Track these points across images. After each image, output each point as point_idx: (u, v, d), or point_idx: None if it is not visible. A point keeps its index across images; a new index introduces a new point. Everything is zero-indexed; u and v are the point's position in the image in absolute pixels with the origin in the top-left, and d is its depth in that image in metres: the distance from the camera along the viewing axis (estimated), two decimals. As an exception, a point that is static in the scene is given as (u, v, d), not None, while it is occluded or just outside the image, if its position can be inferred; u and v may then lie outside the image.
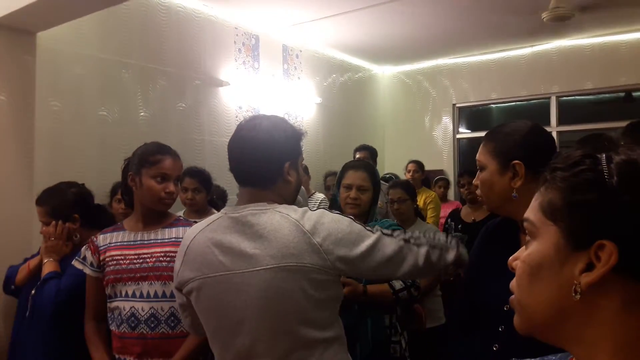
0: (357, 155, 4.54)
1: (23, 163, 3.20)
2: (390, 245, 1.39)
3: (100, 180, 3.54)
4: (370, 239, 1.38)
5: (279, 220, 1.36)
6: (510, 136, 1.45)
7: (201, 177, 3.34)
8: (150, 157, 1.94)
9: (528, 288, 0.63)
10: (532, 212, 0.65)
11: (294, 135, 1.51)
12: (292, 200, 1.51)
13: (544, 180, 0.65)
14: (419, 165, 5.19)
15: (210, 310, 1.44)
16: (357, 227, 1.40)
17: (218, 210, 3.38)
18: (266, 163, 1.44)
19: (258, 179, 1.46)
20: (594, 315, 0.58)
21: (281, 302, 1.33)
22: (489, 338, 1.41)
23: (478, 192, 1.50)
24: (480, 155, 1.48)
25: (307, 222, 1.35)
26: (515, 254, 0.68)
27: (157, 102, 4.26)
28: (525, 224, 0.67)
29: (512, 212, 1.44)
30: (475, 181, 1.52)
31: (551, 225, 0.61)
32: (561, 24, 4.67)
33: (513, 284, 0.67)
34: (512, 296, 0.67)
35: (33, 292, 2.14)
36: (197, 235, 1.48)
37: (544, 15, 4.35)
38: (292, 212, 1.39)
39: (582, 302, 0.58)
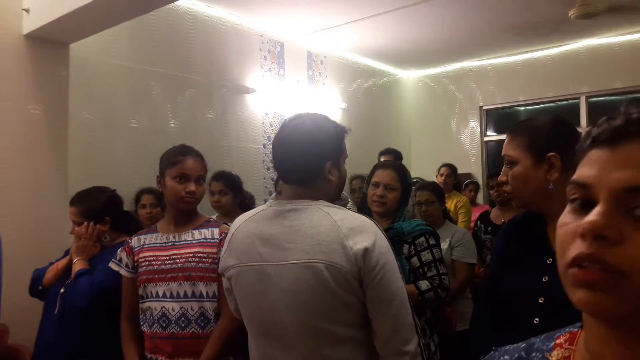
0: (382, 159, 4.53)
1: (58, 172, 3.30)
2: (406, 313, 1.37)
3: (132, 188, 3.62)
4: (398, 281, 1.37)
5: (319, 217, 1.38)
6: (542, 129, 1.44)
7: (226, 180, 3.38)
8: (172, 158, 2.00)
9: None
10: None
11: (336, 135, 1.53)
12: (334, 198, 1.52)
13: None
14: (451, 169, 5.12)
15: (246, 297, 1.48)
16: (393, 259, 1.39)
17: None
18: (307, 163, 1.46)
19: (300, 178, 1.49)
20: None
21: (309, 297, 1.34)
22: (522, 332, 1.38)
23: (507, 188, 1.47)
24: (510, 150, 1.46)
25: (346, 224, 1.35)
26: (603, 220, 0.56)
27: (185, 111, 4.34)
28: None
29: (545, 206, 1.43)
30: (502, 177, 1.48)
31: None
32: (589, 21, 4.59)
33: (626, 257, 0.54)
34: (615, 278, 0.55)
35: (62, 290, 2.20)
36: (241, 225, 1.52)
37: (571, 13, 4.30)
38: (334, 211, 1.40)
39: None
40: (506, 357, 0.72)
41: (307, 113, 1.57)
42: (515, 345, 0.73)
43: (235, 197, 3.39)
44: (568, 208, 0.60)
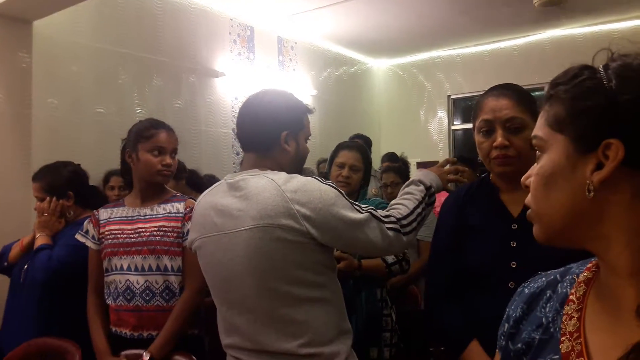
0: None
1: (21, 154, 3.24)
2: (375, 230, 1.42)
3: (98, 171, 3.56)
4: (357, 215, 1.41)
5: (264, 184, 1.41)
6: (530, 95, 1.48)
7: None
8: (145, 132, 1.99)
9: (544, 197, 0.67)
10: (539, 129, 0.69)
11: (297, 108, 1.57)
12: (291, 171, 1.52)
13: (547, 97, 0.69)
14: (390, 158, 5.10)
15: (207, 267, 1.53)
16: (343, 201, 1.42)
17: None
18: (263, 129, 1.50)
19: (256, 145, 1.53)
20: (606, 210, 0.62)
21: (261, 260, 1.38)
22: (499, 297, 1.41)
23: (511, 152, 1.42)
24: (520, 113, 1.41)
25: (289, 187, 1.39)
26: (527, 173, 0.72)
27: (153, 95, 4.29)
28: (534, 141, 0.70)
29: (524, 172, 1.49)
30: (504, 141, 1.41)
31: (559, 135, 0.65)
32: (552, 11, 4.70)
33: (529, 199, 0.70)
34: (529, 210, 0.71)
35: (26, 266, 2.17)
36: (201, 200, 1.58)
37: (535, 1, 4.40)
38: (277, 177, 1.43)
39: (594, 201, 0.62)
40: (543, 278, 0.79)
41: (274, 88, 1.62)
42: (554, 270, 0.79)
43: (177, 180, 3.30)
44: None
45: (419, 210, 1.55)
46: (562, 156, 0.65)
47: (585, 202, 0.62)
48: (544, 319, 0.72)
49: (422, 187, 1.61)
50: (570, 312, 0.68)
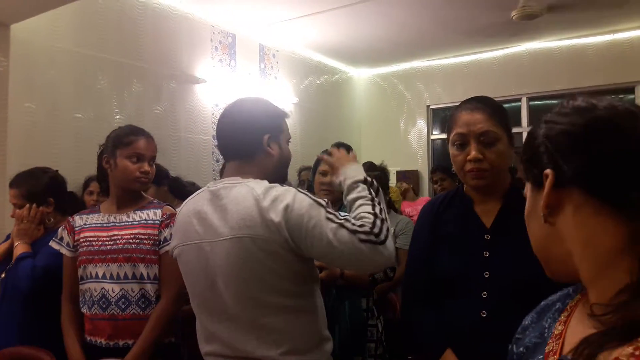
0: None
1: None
2: (345, 236, 1.33)
3: (74, 176, 3.50)
4: (328, 225, 1.34)
5: (244, 193, 1.40)
6: (503, 109, 1.52)
7: None
8: (124, 138, 1.97)
9: (530, 236, 0.78)
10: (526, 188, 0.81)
11: (275, 112, 1.58)
12: (276, 175, 1.51)
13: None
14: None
15: (188, 274, 1.52)
16: (319, 211, 1.35)
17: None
18: (244, 135, 1.51)
19: (238, 152, 1.53)
20: (562, 232, 0.71)
21: (241, 270, 1.38)
22: (471, 306, 1.43)
23: (484, 165, 1.45)
24: (493, 127, 1.46)
25: (267, 197, 1.37)
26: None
27: (133, 101, 4.24)
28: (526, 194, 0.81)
29: (503, 183, 1.57)
30: (478, 154, 1.44)
31: (528, 184, 0.78)
32: (530, 25, 4.79)
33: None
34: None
35: (3, 275, 2.13)
36: (183, 207, 1.57)
37: (513, 14, 4.48)
38: (258, 186, 1.41)
39: (551, 226, 0.72)
40: (560, 292, 0.85)
41: (249, 96, 1.63)
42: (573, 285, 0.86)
43: (158, 186, 3.28)
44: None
45: (377, 208, 1.41)
46: (530, 198, 0.77)
47: (546, 229, 0.73)
48: (545, 326, 0.80)
49: (360, 186, 1.47)
50: (562, 319, 0.77)
